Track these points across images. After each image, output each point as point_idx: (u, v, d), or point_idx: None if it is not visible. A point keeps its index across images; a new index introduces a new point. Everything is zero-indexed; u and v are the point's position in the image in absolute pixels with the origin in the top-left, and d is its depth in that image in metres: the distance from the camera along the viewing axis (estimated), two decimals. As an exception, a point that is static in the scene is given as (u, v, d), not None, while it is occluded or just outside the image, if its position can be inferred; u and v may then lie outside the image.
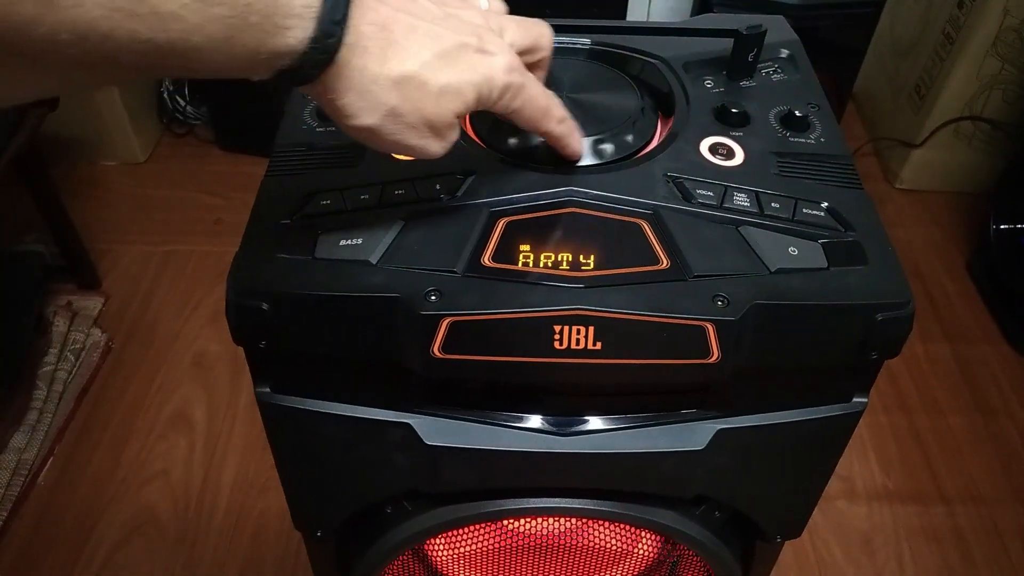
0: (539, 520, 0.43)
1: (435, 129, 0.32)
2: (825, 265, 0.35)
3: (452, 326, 0.32)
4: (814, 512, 1.18)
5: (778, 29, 0.51)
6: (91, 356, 1.44)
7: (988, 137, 1.62)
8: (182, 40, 0.25)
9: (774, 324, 0.34)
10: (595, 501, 0.40)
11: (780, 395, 0.38)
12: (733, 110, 0.41)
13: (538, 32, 0.37)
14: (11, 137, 1.27)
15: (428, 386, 0.36)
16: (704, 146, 0.39)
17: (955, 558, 1.19)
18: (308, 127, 0.40)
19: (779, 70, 0.46)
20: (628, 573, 0.51)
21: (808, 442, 0.41)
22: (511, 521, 0.43)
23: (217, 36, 0.25)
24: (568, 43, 0.46)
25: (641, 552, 0.48)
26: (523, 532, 0.44)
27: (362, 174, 0.37)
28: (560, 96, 0.40)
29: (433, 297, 0.33)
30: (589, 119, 0.39)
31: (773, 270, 0.34)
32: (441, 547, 0.46)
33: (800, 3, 1.40)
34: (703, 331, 0.32)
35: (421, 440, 0.37)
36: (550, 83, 0.40)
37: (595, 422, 0.37)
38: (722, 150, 0.39)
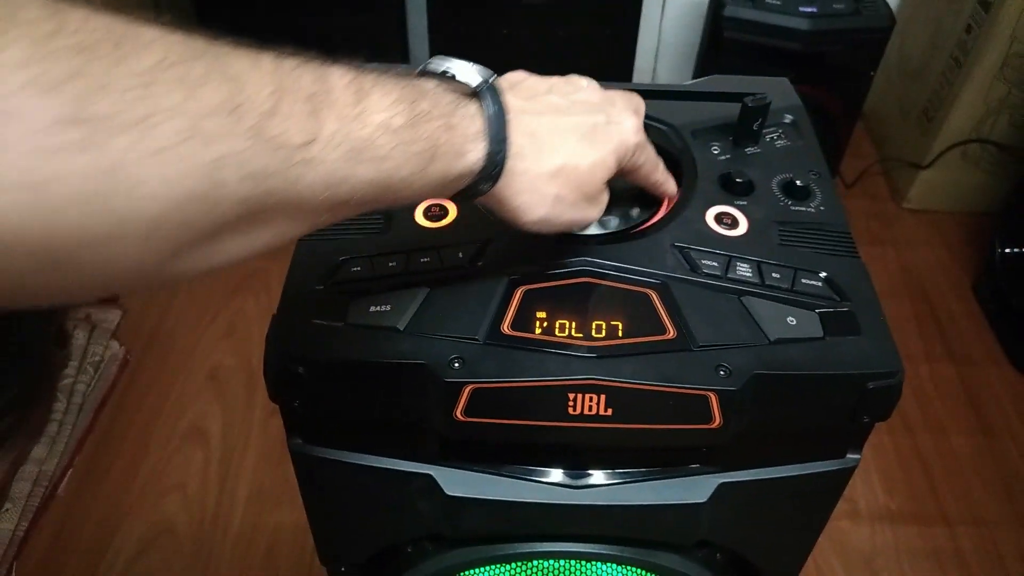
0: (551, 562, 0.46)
1: (591, 198, 0.37)
2: (821, 335, 0.38)
3: (474, 392, 0.35)
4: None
5: (782, 93, 0.53)
6: (109, 369, 1.47)
7: (995, 160, 1.64)
8: (390, 175, 0.30)
9: (772, 392, 0.36)
10: (603, 546, 0.43)
11: (778, 452, 0.41)
12: (738, 179, 0.43)
13: (636, 97, 0.42)
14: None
15: (450, 443, 0.39)
16: (710, 216, 0.42)
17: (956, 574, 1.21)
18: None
19: (782, 136, 0.49)
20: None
21: (804, 494, 0.43)
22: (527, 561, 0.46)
23: (416, 168, 0.31)
24: None
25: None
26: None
27: (390, 241, 0.40)
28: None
29: (456, 365, 0.35)
30: (612, 191, 0.42)
31: (772, 340, 0.37)
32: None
33: (811, 29, 1.42)
34: (706, 400, 0.35)
35: (442, 490, 0.40)
36: None
37: (604, 476, 0.40)
38: (727, 219, 0.42)
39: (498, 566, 0.45)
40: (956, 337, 1.55)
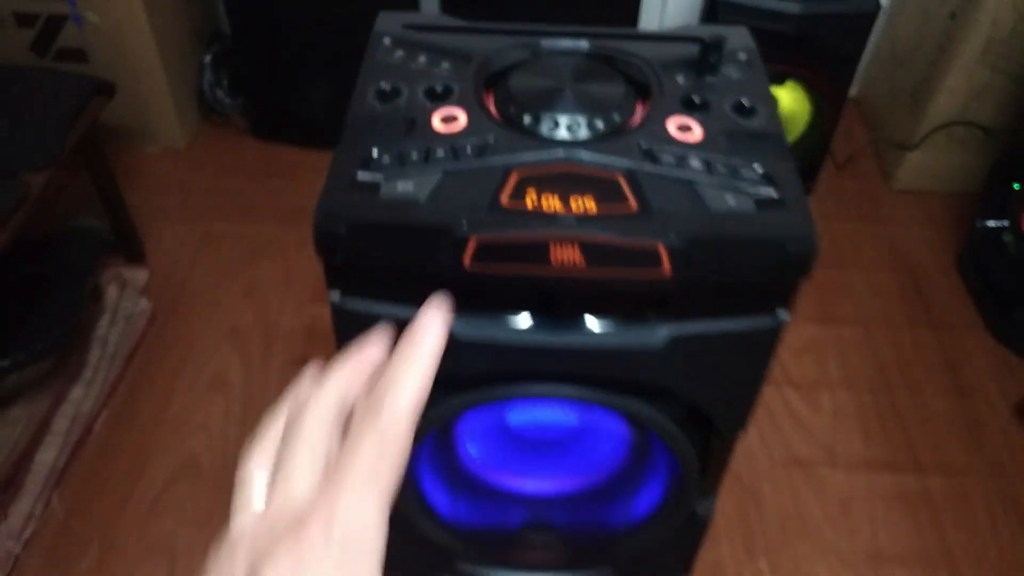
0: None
1: None
2: (754, 211, 0.47)
3: (478, 245, 0.45)
4: (798, 476, 1.29)
5: (740, 37, 0.62)
6: (139, 323, 1.58)
7: (980, 141, 1.73)
8: None
9: (711, 251, 0.46)
10: (586, 389, 0.52)
11: (722, 308, 0.50)
12: (696, 99, 0.53)
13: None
14: (74, 123, 1.40)
15: (459, 292, 0.48)
16: (671, 125, 0.51)
17: (925, 520, 1.30)
18: (372, 105, 0.53)
19: (737, 70, 0.58)
20: (613, 456, 0.63)
21: (743, 347, 0.53)
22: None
23: None
24: (573, 46, 0.58)
25: (622, 437, 0.60)
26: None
27: (413, 140, 0.50)
28: (565, 86, 0.52)
29: (465, 224, 0.45)
30: (587, 103, 0.51)
31: (714, 210, 0.46)
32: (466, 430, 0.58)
33: (800, 12, 1.51)
34: (657, 252, 0.45)
35: (454, 336, 0.50)
36: (560, 75, 0.52)
37: (582, 323, 0.49)
38: (685, 128, 0.51)
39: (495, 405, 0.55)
40: (938, 307, 1.63)
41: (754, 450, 1.39)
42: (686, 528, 0.69)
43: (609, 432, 0.66)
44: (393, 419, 0.30)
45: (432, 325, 0.33)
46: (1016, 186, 1.53)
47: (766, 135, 0.52)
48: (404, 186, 0.47)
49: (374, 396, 0.31)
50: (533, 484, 0.70)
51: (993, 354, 1.54)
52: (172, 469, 1.37)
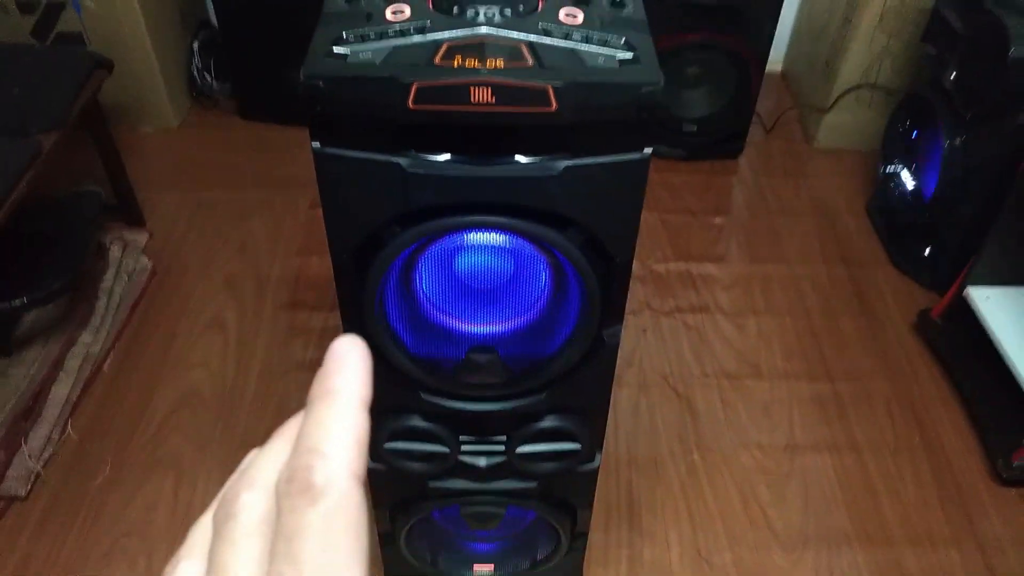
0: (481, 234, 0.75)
1: None
2: (617, 67, 0.67)
3: (418, 89, 0.64)
4: (726, 386, 1.49)
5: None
6: (140, 278, 1.75)
7: (883, 101, 1.96)
8: None
9: (585, 91, 0.65)
10: (509, 219, 0.71)
11: (603, 146, 0.70)
12: (581, -3, 0.73)
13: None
14: (79, 92, 1.59)
15: (406, 132, 0.67)
16: (561, 13, 0.71)
17: (834, 416, 1.50)
18: (340, 4, 0.72)
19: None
20: (538, 298, 0.83)
21: (622, 178, 0.72)
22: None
23: None
24: None
25: (537, 258, 0.79)
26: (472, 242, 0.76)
27: (370, 26, 0.69)
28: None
29: (409, 75, 0.64)
30: (501, -1, 0.72)
31: (588, 66, 0.66)
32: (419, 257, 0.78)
33: (718, -12, 1.73)
34: (546, 91, 0.64)
35: (404, 170, 0.69)
36: None
37: (502, 158, 0.69)
38: (571, 14, 0.71)
39: (439, 240, 0.74)
40: (850, 246, 1.85)
41: (689, 366, 1.59)
42: (598, 355, 0.88)
43: (535, 277, 0.86)
44: (334, 494, 0.24)
45: (349, 350, 0.27)
46: (915, 134, 1.75)
47: (631, 20, 0.72)
48: (364, 55, 0.66)
49: (297, 466, 0.24)
50: (477, 326, 0.89)
51: (895, 282, 1.76)
52: (176, 398, 1.54)
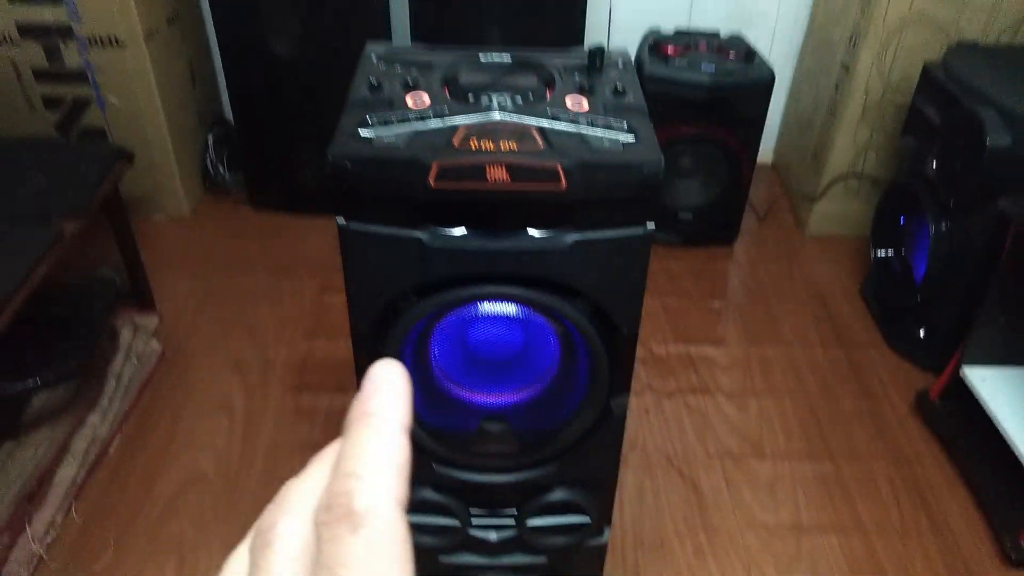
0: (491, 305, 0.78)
1: None
2: (621, 149, 0.72)
3: (439, 168, 0.69)
4: (730, 467, 1.50)
5: (620, 53, 0.89)
6: (150, 360, 1.78)
7: (870, 190, 2.04)
8: None
9: (592, 171, 0.70)
10: (521, 289, 0.75)
11: (608, 221, 0.74)
12: (585, 86, 0.79)
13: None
14: (101, 182, 1.66)
15: (427, 209, 0.72)
16: (568, 101, 0.77)
17: (839, 497, 1.51)
18: (364, 92, 0.78)
19: (616, 70, 0.84)
20: (548, 371, 0.86)
21: (626, 252, 0.77)
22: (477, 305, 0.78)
23: None
24: (501, 58, 0.85)
25: (546, 327, 0.83)
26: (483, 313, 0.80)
27: (393, 112, 0.75)
28: (496, 79, 0.79)
29: (430, 156, 0.70)
30: (511, 88, 0.77)
31: (595, 149, 0.71)
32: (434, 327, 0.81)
33: (710, 83, 1.83)
34: (556, 171, 0.69)
35: (423, 243, 0.73)
36: (493, 73, 0.78)
37: (515, 232, 0.73)
38: (577, 102, 0.77)
39: (452, 309, 0.78)
40: (845, 328, 1.89)
41: (692, 446, 1.60)
42: (606, 425, 0.91)
43: (545, 348, 0.89)
44: (376, 521, 0.23)
45: (388, 373, 0.27)
46: (902, 220, 1.82)
47: (632, 107, 0.78)
48: (388, 138, 0.72)
49: (337, 492, 0.23)
50: (489, 396, 0.92)
51: (891, 363, 1.79)
52: (181, 480, 1.54)
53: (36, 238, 1.48)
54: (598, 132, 0.74)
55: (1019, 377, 1.52)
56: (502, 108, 0.76)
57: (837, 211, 2.09)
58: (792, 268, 2.08)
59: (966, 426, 1.54)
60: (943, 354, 1.64)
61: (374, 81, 0.78)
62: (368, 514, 0.23)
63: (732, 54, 1.87)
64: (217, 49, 2.22)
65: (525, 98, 0.77)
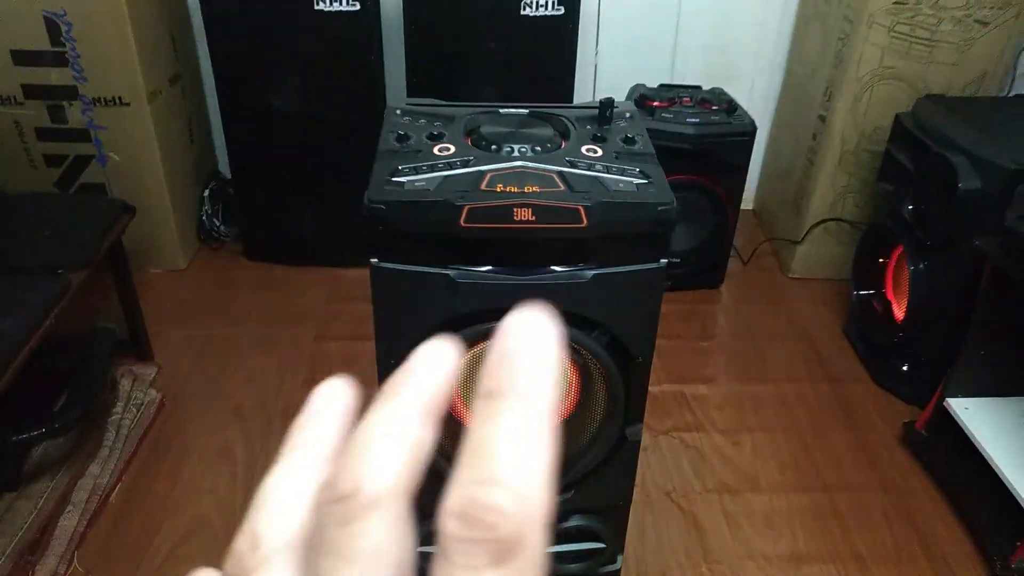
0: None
1: None
2: (635, 190, 0.78)
3: (469, 209, 0.75)
4: (728, 500, 1.54)
5: (628, 106, 0.96)
6: (149, 410, 1.79)
7: (850, 232, 2.12)
8: None
9: (610, 210, 0.76)
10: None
11: (624, 256, 0.80)
12: (598, 135, 0.85)
13: None
14: (105, 235, 1.69)
15: (457, 247, 0.77)
16: (583, 148, 0.84)
17: (834, 527, 1.54)
18: (393, 143, 0.84)
19: (625, 121, 0.91)
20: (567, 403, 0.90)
21: (642, 285, 0.82)
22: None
23: None
24: (518, 112, 0.91)
25: (567, 362, 0.87)
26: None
27: (422, 160, 0.81)
28: (516, 130, 0.85)
29: (460, 198, 0.75)
30: (530, 138, 0.83)
31: (611, 191, 0.77)
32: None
33: (695, 133, 1.92)
34: (578, 210, 0.75)
35: (453, 280, 0.78)
36: (512, 125, 0.84)
37: (539, 269, 0.78)
38: (592, 151, 0.83)
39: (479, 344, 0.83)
40: (832, 365, 1.95)
41: (690, 482, 1.64)
42: (622, 452, 0.95)
43: (563, 379, 0.94)
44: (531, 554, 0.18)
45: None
46: (881, 261, 1.90)
47: (643, 153, 0.84)
48: (419, 183, 0.77)
49: (337, 488, 0.20)
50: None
51: (878, 398, 1.85)
52: (184, 528, 1.54)
53: (44, 289, 1.50)
54: (613, 176, 0.80)
55: (1000, 406, 1.59)
56: (523, 156, 0.81)
57: (818, 254, 2.17)
58: (778, 309, 2.15)
59: (952, 455, 1.59)
60: (926, 387, 1.70)
61: (401, 132, 0.84)
62: (523, 542, 0.18)
63: (715, 106, 1.97)
64: (214, 107, 2.28)
65: (544, 146, 0.83)
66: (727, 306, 2.17)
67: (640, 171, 0.81)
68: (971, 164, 1.57)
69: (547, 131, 0.86)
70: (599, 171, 0.80)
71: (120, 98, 1.90)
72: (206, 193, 2.25)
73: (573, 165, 0.81)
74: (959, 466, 1.57)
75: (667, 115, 1.93)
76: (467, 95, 1.99)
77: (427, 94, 1.97)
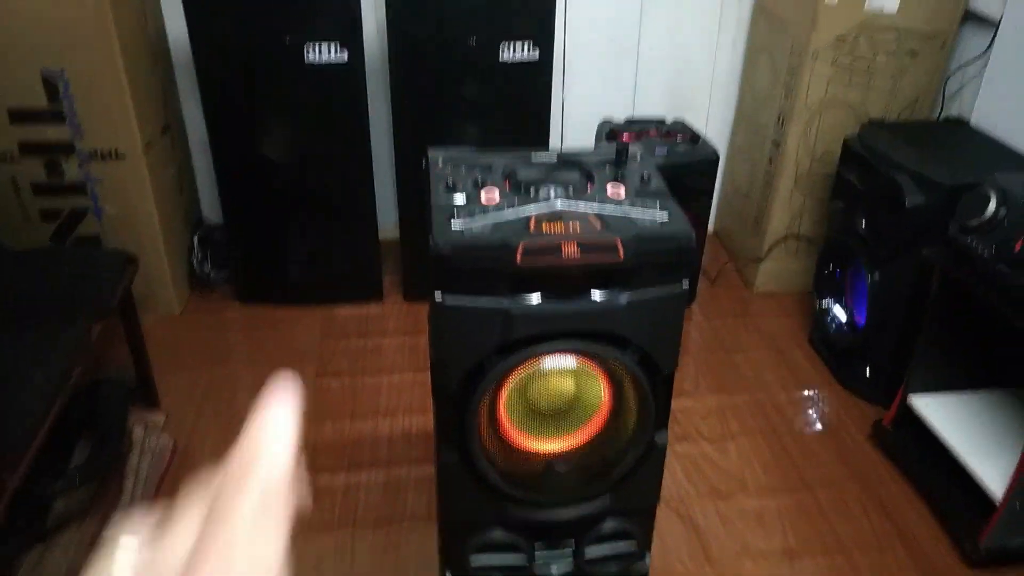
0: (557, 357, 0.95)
1: None
2: (660, 225, 0.91)
3: (524, 247, 0.86)
4: (720, 503, 1.67)
5: (638, 150, 1.10)
6: (163, 455, 1.84)
7: (808, 248, 2.30)
8: None
9: (642, 243, 0.89)
10: (583, 343, 0.92)
11: (653, 281, 0.93)
12: (619, 176, 0.98)
13: None
14: (116, 285, 1.75)
15: (514, 282, 0.89)
16: (608, 189, 0.96)
17: (818, 521, 1.69)
18: (445, 193, 0.95)
19: (637, 163, 1.05)
20: (600, 398, 1.02)
21: (668, 306, 0.95)
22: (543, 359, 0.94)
23: None
24: (548, 158, 1.04)
25: (602, 377, 0.99)
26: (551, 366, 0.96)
27: (474, 207, 0.92)
28: (549, 175, 0.97)
29: (515, 239, 0.87)
30: (564, 181, 0.96)
31: (640, 226, 0.90)
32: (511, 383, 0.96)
33: (663, 163, 2.07)
34: (615, 244, 0.88)
35: (508, 312, 0.89)
36: (544, 170, 0.97)
37: (581, 296, 0.90)
38: (616, 190, 0.96)
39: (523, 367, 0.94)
40: (800, 373, 2.12)
41: (684, 488, 1.76)
42: (651, 456, 1.07)
43: (598, 394, 1.06)
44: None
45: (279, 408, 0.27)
46: (839, 273, 2.07)
47: (659, 191, 0.98)
48: (476, 228, 0.89)
49: None
50: (553, 441, 1.07)
51: (845, 400, 2.02)
52: (210, 564, 1.60)
53: (67, 341, 1.56)
54: (639, 212, 0.93)
55: (958, 401, 1.76)
56: (558, 196, 0.94)
57: (780, 269, 2.35)
58: (747, 323, 2.31)
59: (918, 447, 1.76)
60: (889, 387, 1.87)
61: (450, 183, 0.95)
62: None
63: (680, 137, 2.13)
64: (198, 154, 2.35)
65: (575, 188, 0.96)
66: (699, 322, 2.32)
67: (661, 207, 0.94)
68: (915, 182, 1.75)
69: (575, 174, 0.99)
70: (627, 209, 0.93)
71: (116, 150, 1.96)
72: (195, 240, 2.31)
73: (604, 203, 0.93)
74: (924, 458, 1.74)
75: (636, 147, 2.07)
76: (449, 137, 2.12)
77: (411, 137, 2.10)
